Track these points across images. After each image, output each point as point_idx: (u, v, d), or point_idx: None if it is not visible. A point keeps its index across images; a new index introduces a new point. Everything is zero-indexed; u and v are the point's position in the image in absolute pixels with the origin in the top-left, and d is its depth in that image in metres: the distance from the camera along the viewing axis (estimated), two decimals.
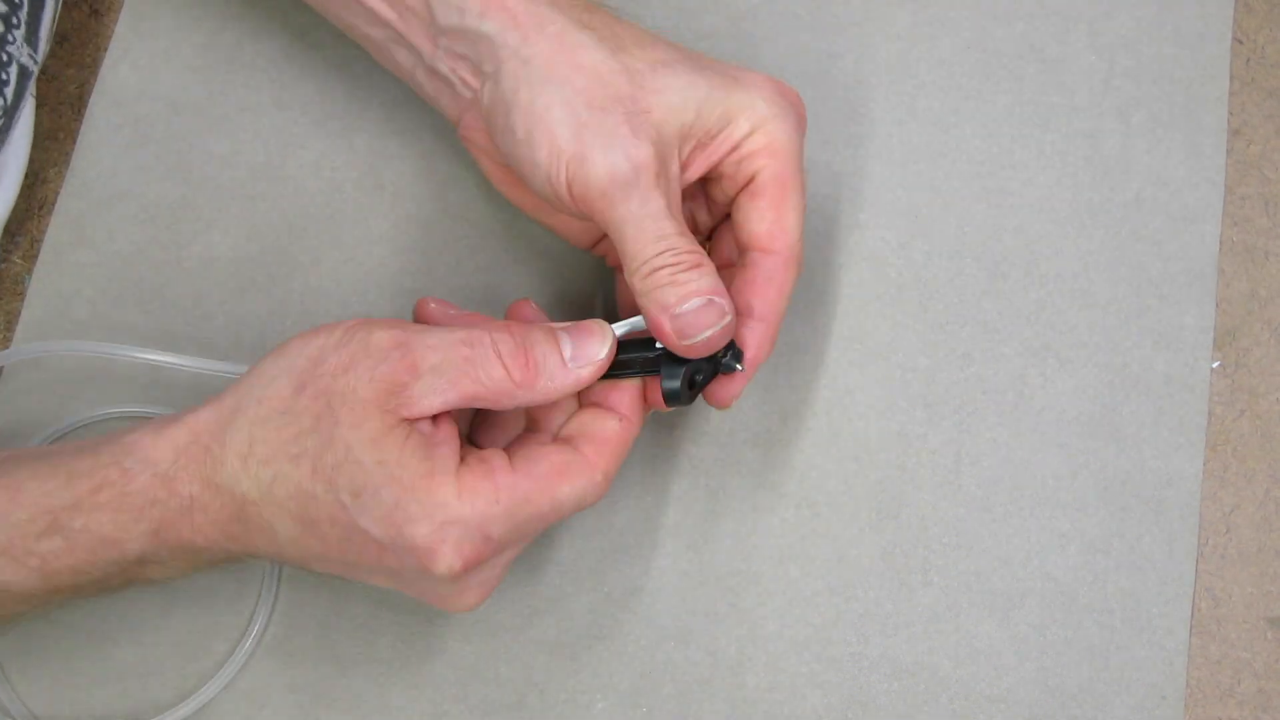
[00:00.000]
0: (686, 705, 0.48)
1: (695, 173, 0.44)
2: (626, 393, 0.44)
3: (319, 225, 0.53)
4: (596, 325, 0.43)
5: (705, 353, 0.42)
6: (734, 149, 0.44)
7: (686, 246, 0.42)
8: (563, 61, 0.42)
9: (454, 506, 0.39)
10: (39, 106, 0.54)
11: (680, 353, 0.42)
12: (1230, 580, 0.49)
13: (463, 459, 0.41)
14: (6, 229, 0.53)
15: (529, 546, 0.49)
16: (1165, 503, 0.49)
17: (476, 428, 0.46)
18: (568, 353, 0.42)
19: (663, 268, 0.41)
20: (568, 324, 0.43)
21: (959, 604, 0.48)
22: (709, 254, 0.47)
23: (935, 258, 0.52)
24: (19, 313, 0.52)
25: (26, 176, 0.53)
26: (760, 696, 0.48)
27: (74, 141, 0.53)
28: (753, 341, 0.44)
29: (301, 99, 0.54)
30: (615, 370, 0.43)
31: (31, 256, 0.52)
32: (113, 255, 0.52)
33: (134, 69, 0.54)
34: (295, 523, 0.40)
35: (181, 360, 0.46)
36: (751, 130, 0.44)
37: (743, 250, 0.45)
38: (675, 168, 0.43)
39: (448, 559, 0.39)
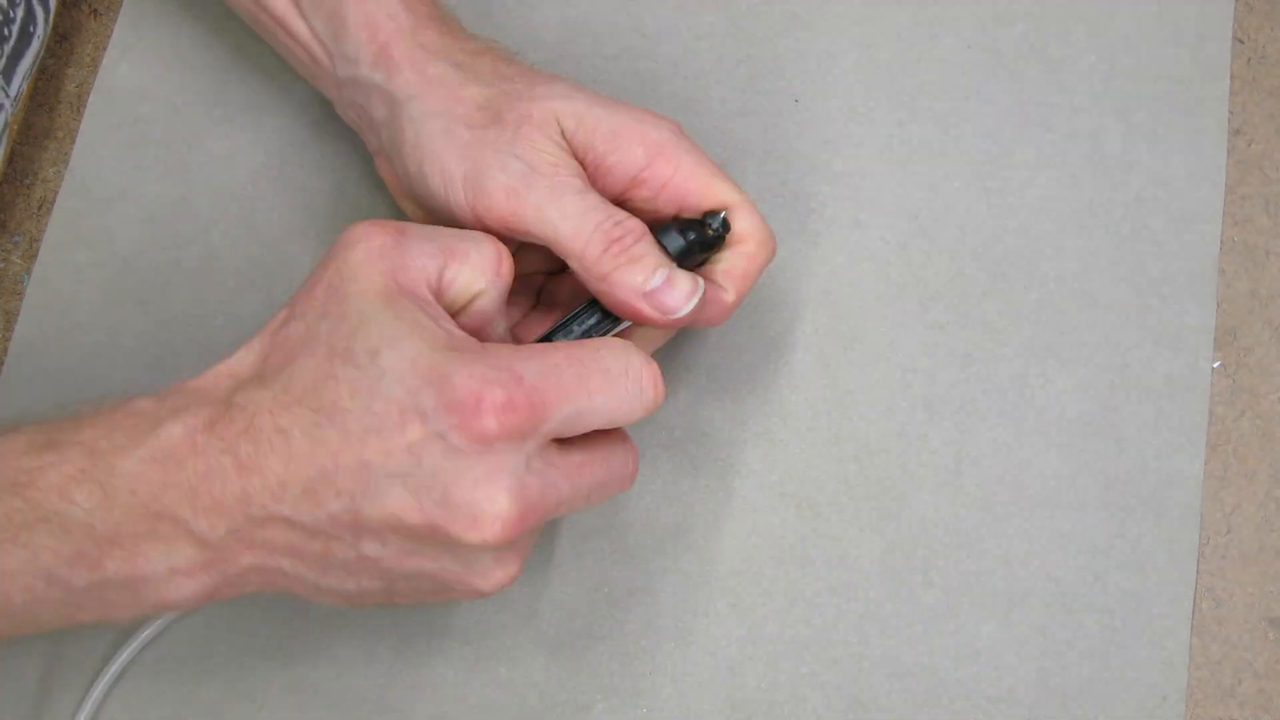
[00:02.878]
0: (686, 706, 0.48)
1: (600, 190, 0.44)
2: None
3: (319, 225, 0.53)
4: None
5: (688, 323, 0.43)
6: (636, 183, 0.44)
7: (621, 216, 0.42)
8: (443, 97, 0.44)
9: (477, 348, 0.37)
10: (39, 106, 0.54)
11: (662, 325, 0.43)
12: (1231, 580, 0.49)
13: None
14: (6, 228, 0.53)
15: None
16: (1166, 503, 0.49)
17: None
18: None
19: (613, 242, 0.41)
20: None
21: (960, 604, 0.48)
22: None
23: (935, 258, 0.52)
24: (18, 312, 0.52)
25: (26, 176, 0.54)
26: (760, 697, 0.48)
27: (73, 141, 0.54)
28: (710, 298, 0.44)
29: (301, 99, 0.54)
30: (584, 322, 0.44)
31: (30, 256, 0.52)
32: (112, 255, 0.52)
33: (133, 69, 0.54)
34: (312, 418, 0.37)
35: None
36: (649, 162, 0.44)
37: None
38: (574, 161, 0.43)
39: (488, 401, 0.36)
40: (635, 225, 0.42)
